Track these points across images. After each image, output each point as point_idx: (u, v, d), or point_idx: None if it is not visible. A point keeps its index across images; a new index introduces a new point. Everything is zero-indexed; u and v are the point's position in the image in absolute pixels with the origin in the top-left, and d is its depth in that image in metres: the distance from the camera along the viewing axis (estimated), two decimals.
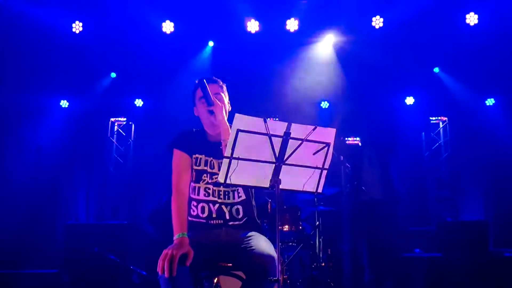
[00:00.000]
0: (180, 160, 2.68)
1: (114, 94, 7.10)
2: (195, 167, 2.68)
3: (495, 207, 6.33)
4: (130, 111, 7.31)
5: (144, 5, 6.25)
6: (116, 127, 7.44)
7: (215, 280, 2.55)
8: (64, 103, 7.17)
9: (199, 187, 2.65)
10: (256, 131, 2.19)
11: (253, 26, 6.52)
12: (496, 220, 6.07)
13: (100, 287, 5.08)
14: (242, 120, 2.16)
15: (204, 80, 2.60)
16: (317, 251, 4.78)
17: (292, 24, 6.47)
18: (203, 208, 2.63)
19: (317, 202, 4.90)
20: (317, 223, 4.82)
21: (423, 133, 7.13)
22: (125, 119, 7.39)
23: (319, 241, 4.81)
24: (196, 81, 2.72)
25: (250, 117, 2.18)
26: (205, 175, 2.66)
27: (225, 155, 2.18)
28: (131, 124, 7.42)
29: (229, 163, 2.18)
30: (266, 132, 2.19)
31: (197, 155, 2.69)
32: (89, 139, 6.99)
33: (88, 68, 6.75)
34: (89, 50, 6.58)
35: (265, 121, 2.18)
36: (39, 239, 6.06)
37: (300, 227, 4.69)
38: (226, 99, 2.78)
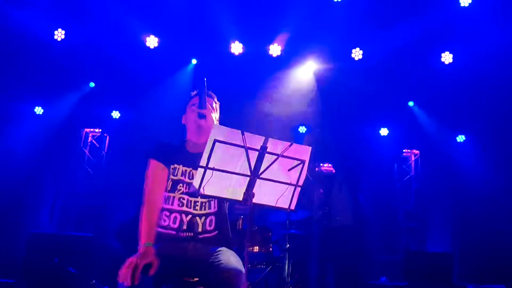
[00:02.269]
0: (155, 170, 2.64)
1: (91, 104, 7.01)
2: (172, 177, 2.63)
3: (461, 240, 6.45)
4: (105, 122, 7.21)
5: (130, 18, 6.27)
6: (90, 138, 7.32)
7: None
8: (38, 110, 7.02)
9: (173, 197, 2.60)
10: (233, 142, 2.19)
11: (237, 48, 6.62)
12: (461, 253, 6.18)
13: None
14: (220, 131, 2.17)
15: (205, 79, 2.62)
16: (285, 274, 4.74)
17: (275, 49, 6.60)
18: (175, 219, 2.57)
19: (288, 226, 4.89)
20: (287, 246, 4.79)
21: (396, 164, 7.27)
22: (100, 130, 7.28)
23: (288, 265, 4.77)
24: (194, 92, 2.75)
25: (228, 128, 2.19)
26: (181, 184, 2.61)
27: (200, 164, 2.17)
28: (106, 136, 7.31)
29: (204, 172, 2.17)
30: (243, 144, 2.20)
31: (175, 165, 2.65)
32: (62, 148, 6.85)
33: (67, 76, 6.67)
34: (69, 58, 6.52)
35: (242, 134, 2.19)
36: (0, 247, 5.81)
37: (270, 249, 4.65)
38: (216, 115, 2.80)
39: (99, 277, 5.08)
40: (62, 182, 6.88)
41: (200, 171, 2.16)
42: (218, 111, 2.85)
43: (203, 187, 2.18)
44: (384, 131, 7.17)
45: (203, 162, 2.16)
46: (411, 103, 7.06)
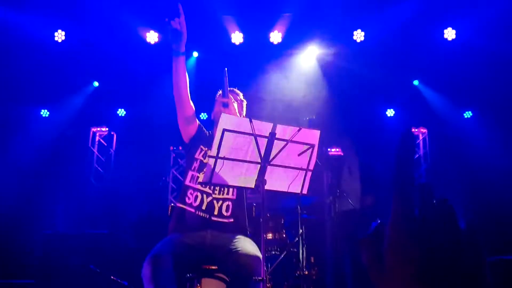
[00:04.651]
0: (193, 115, 2.80)
1: (96, 103, 7.04)
2: (200, 158, 2.71)
3: (473, 216, 6.45)
4: (112, 121, 7.25)
5: (129, 15, 6.25)
6: (97, 137, 7.36)
7: (199, 282, 2.52)
8: (44, 112, 7.07)
9: (198, 177, 2.67)
10: (242, 131, 2.21)
11: (237, 38, 6.60)
12: (476, 230, 6.17)
13: None
14: (228, 120, 2.19)
15: (226, 69, 2.66)
16: (300, 259, 4.78)
17: (275, 37, 6.57)
18: (196, 197, 2.65)
19: (300, 210, 4.91)
20: (301, 231, 4.82)
21: None
22: (107, 129, 7.33)
23: (302, 250, 4.81)
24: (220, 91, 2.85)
25: (236, 117, 2.22)
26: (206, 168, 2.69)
27: (210, 154, 2.19)
28: (113, 134, 7.35)
29: (215, 162, 2.19)
30: (251, 132, 2.21)
31: (204, 148, 2.72)
32: (70, 149, 6.90)
33: (71, 77, 6.70)
34: (71, 59, 6.53)
35: (250, 121, 2.21)
36: (16, 248, 5.90)
37: (284, 235, 4.68)
38: (243, 112, 2.94)
39: (116, 272, 5.16)
40: (73, 183, 6.95)
41: (211, 161, 2.18)
42: (245, 108, 2.93)
43: (215, 176, 2.20)
44: (390, 112, 7.14)
45: (213, 152, 2.18)
46: (416, 82, 7.01)
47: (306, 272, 4.72)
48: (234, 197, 2.67)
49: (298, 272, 4.65)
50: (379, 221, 0.87)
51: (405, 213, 0.78)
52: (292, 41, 6.65)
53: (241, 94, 2.95)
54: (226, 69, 2.67)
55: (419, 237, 0.77)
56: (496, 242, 5.88)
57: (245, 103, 2.96)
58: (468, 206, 6.51)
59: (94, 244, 5.36)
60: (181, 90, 2.64)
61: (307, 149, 2.34)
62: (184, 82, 2.64)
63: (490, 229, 6.08)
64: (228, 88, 2.73)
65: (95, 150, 7.29)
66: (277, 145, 2.28)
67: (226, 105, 2.68)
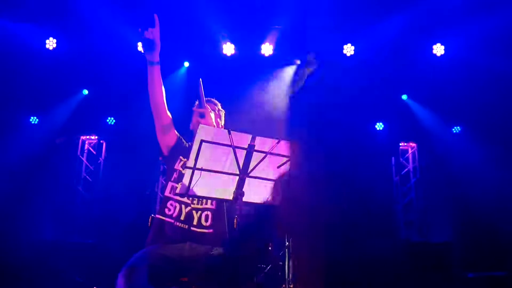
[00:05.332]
0: (172, 128, 2.80)
1: (86, 111, 7.02)
2: (179, 168, 2.71)
3: (461, 231, 6.45)
4: (101, 129, 7.22)
5: (120, 24, 6.27)
6: (86, 145, 7.33)
7: None
8: (34, 120, 7.04)
9: (176, 187, 2.66)
10: (220, 142, 2.20)
11: (228, 49, 6.63)
12: (462, 243, 6.18)
13: None
14: (206, 131, 2.18)
15: (200, 80, 2.67)
16: (286, 272, 4.73)
17: (267, 49, 6.61)
18: (175, 208, 2.64)
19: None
20: (287, 243, 4.79)
21: (393, 158, 7.27)
22: (96, 137, 7.29)
23: (288, 263, 4.77)
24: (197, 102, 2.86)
25: (214, 128, 2.21)
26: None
27: (187, 165, 2.18)
28: (102, 143, 7.32)
29: (192, 173, 2.17)
30: (230, 143, 2.21)
31: (183, 158, 2.72)
32: (59, 157, 6.85)
33: (61, 84, 6.68)
34: (62, 66, 6.53)
35: (229, 133, 2.20)
36: (2, 255, 5.82)
37: (269, 248, 4.64)
38: (221, 122, 2.93)
39: (102, 282, 5.10)
40: (61, 191, 6.89)
41: (188, 171, 2.17)
42: (223, 118, 2.93)
43: (192, 187, 2.18)
44: (379, 126, 7.17)
45: (190, 163, 2.17)
46: (404, 97, 7.06)
47: (291, 286, 4.69)
48: (214, 207, 2.65)
49: (283, 286, 4.61)
50: None
51: None
52: (283, 54, 6.69)
53: (219, 104, 2.96)
54: (200, 79, 2.68)
55: None
56: (484, 257, 5.88)
57: (223, 112, 2.97)
58: (456, 220, 6.53)
59: (80, 253, 5.32)
60: (157, 99, 2.64)
61: (287, 161, 2.33)
62: (159, 91, 2.64)
63: (478, 244, 6.10)
64: (205, 98, 2.74)
65: (84, 159, 7.25)
66: (256, 156, 2.28)
67: (202, 116, 2.68)
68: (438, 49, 6.44)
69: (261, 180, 2.31)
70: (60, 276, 4.92)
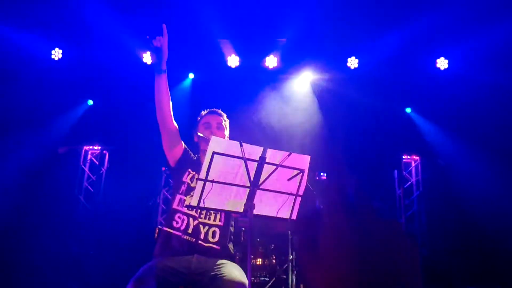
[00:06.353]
0: (178, 139, 2.78)
1: (90, 121, 7.03)
2: (187, 181, 2.70)
3: (463, 244, 6.41)
4: (105, 139, 7.22)
5: (126, 35, 6.32)
6: (89, 156, 7.32)
7: None
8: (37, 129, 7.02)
9: (185, 200, 2.65)
10: (231, 154, 2.20)
11: (233, 61, 6.66)
12: (464, 256, 6.15)
13: None
14: (218, 143, 2.18)
15: (164, 25, 2.70)
16: (289, 286, 4.70)
17: (271, 61, 6.64)
18: (183, 221, 2.63)
19: (291, 235, 4.86)
20: (291, 257, 4.76)
21: (396, 171, 7.26)
22: (99, 147, 7.29)
23: (292, 276, 4.74)
24: (205, 111, 2.89)
25: (226, 140, 2.20)
26: (193, 191, 2.65)
27: (199, 177, 2.17)
28: (105, 153, 7.31)
29: (204, 185, 2.16)
30: (241, 156, 2.20)
31: (191, 172, 2.70)
32: (61, 167, 6.84)
33: (65, 94, 6.70)
34: (67, 77, 6.56)
35: (241, 145, 2.20)
36: (2, 264, 5.78)
37: (273, 261, 4.62)
38: (226, 132, 2.92)
39: None
40: (62, 200, 6.86)
41: (200, 183, 2.16)
42: (228, 128, 2.93)
43: (203, 199, 2.17)
44: (383, 138, 7.15)
45: (202, 175, 2.16)
46: (408, 110, 7.08)
47: None
48: (222, 223, 2.64)
49: None
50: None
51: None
52: (287, 66, 6.73)
53: (224, 115, 2.96)
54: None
55: None
56: (487, 271, 5.84)
57: (227, 123, 2.97)
58: (458, 233, 6.49)
59: (80, 263, 5.28)
60: (164, 108, 2.65)
61: (297, 174, 2.32)
62: (166, 99, 2.65)
63: (479, 257, 6.07)
64: (212, 109, 2.76)
65: (86, 169, 7.24)
66: (267, 169, 2.27)
67: (220, 127, 2.73)
68: (442, 63, 6.49)
69: (271, 193, 2.30)
70: (60, 286, 4.87)
